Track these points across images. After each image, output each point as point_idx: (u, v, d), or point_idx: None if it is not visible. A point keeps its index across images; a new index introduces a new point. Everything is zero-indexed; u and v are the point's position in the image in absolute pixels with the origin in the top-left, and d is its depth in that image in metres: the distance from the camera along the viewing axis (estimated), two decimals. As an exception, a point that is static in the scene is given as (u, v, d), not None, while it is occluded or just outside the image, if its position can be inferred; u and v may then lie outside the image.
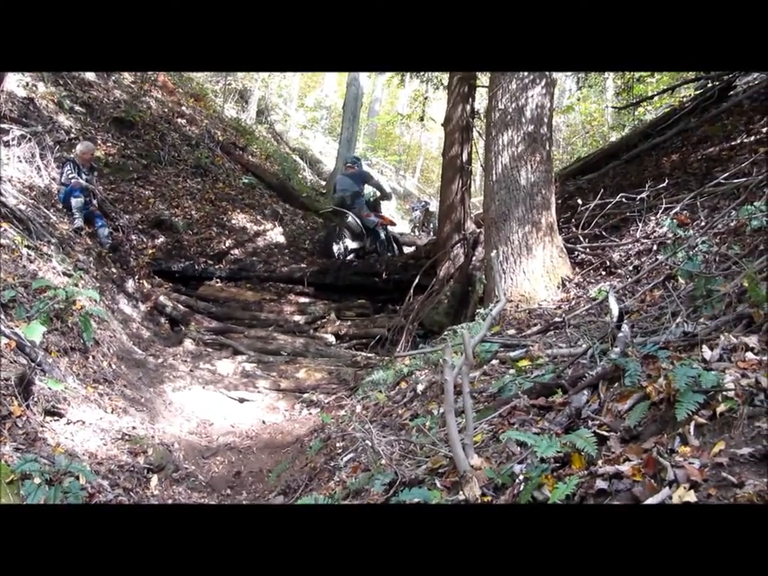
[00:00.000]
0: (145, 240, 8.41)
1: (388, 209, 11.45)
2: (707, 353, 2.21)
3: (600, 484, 1.77)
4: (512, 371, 3.19)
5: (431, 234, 12.81)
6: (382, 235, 9.27)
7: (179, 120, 11.53)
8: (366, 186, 9.63)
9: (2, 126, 7.04)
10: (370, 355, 6.56)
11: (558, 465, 1.98)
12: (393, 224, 10.12)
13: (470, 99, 7.33)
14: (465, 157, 7.26)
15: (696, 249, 3.45)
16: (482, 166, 5.92)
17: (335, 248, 9.22)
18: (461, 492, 1.99)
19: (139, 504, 3.15)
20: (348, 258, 9.20)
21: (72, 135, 8.69)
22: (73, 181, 6.99)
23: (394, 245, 9.74)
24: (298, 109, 21.86)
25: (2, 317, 3.87)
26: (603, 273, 4.90)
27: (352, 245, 9.27)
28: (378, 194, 9.95)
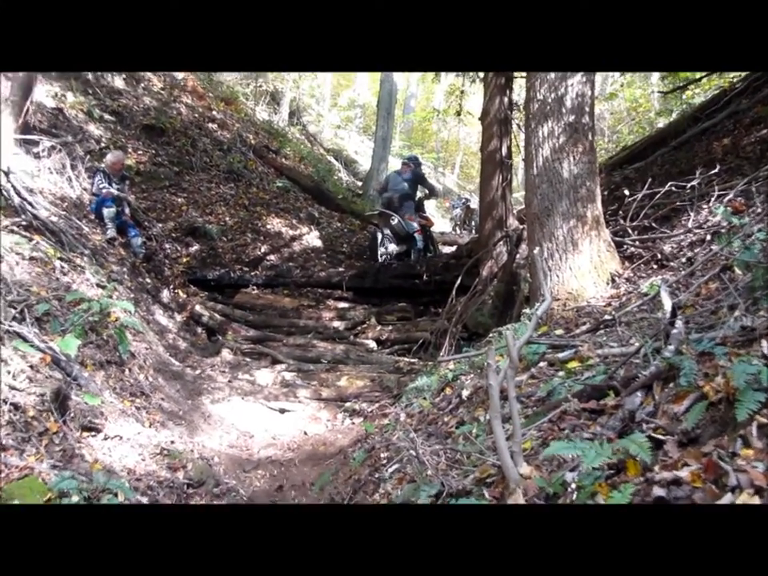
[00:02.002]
0: (179, 248, 8.41)
1: (428, 207, 11.34)
2: (767, 348, 2.09)
3: (657, 491, 1.71)
4: (561, 373, 3.11)
5: (473, 231, 12.68)
6: (420, 243, 9.15)
7: (210, 125, 11.51)
8: (419, 187, 9.55)
9: (32, 137, 7.08)
10: (412, 360, 6.47)
11: (612, 471, 1.92)
12: (432, 224, 10.04)
13: (508, 91, 7.23)
14: (504, 151, 7.16)
15: (752, 237, 3.30)
16: (522, 159, 5.81)
17: (380, 251, 9.15)
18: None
19: (143, 505, 3.08)
20: (390, 261, 9.14)
21: (102, 144, 8.74)
22: (104, 191, 6.99)
23: (431, 246, 9.63)
24: (331, 109, 21.89)
25: (37, 331, 3.83)
26: (654, 266, 4.74)
27: (396, 248, 9.19)
28: (427, 191, 9.83)
